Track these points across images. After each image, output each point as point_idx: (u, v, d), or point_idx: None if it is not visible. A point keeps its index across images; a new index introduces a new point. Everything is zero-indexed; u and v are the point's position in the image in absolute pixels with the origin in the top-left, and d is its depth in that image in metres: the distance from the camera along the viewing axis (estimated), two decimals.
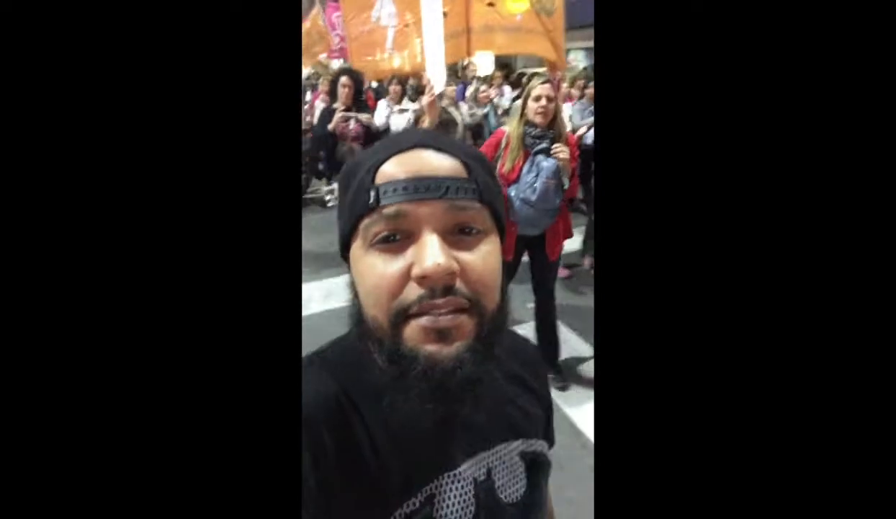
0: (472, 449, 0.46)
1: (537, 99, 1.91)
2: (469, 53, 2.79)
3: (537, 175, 1.93)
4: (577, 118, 3.66)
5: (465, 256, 0.38)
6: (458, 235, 0.39)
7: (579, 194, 2.72)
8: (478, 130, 4.36)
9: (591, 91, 3.89)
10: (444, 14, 2.32)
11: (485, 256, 0.40)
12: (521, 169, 1.95)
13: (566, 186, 1.97)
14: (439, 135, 0.44)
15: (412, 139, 0.41)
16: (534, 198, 1.93)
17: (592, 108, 3.88)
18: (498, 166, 1.98)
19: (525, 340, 0.60)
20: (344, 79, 3.13)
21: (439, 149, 0.41)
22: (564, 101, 3.89)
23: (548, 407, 0.56)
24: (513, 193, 1.98)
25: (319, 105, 3.77)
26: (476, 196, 0.40)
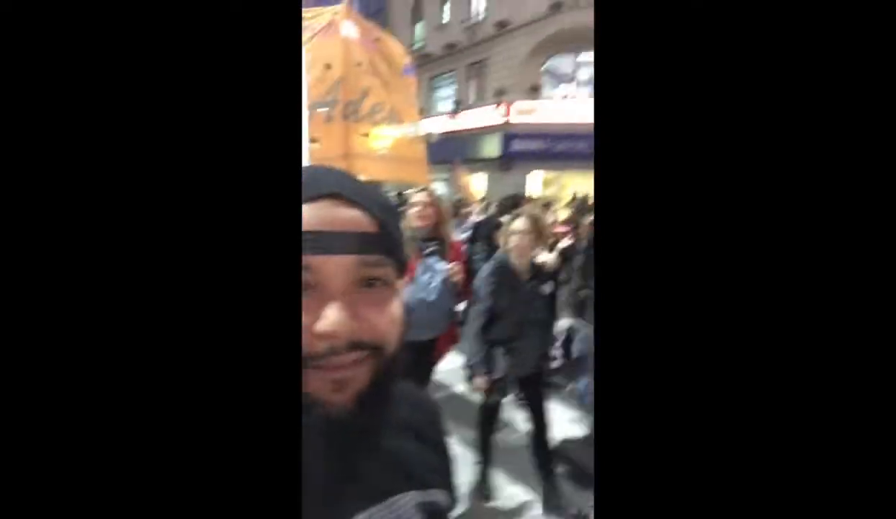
0: (365, 501, 0.44)
1: (413, 205, 2.11)
2: None
3: (433, 276, 1.99)
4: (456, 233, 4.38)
5: (370, 312, 0.40)
6: (363, 289, 0.40)
7: None
8: None
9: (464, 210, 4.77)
10: (313, 140, 2.51)
11: (390, 311, 0.42)
12: (414, 269, 1.99)
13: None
14: (353, 182, 0.44)
15: (324, 187, 0.41)
16: (432, 298, 1.96)
17: (465, 225, 4.67)
18: None
19: (419, 390, 0.61)
20: None
21: (351, 201, 0.41)
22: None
23: (444, 456, 0.56)
24: (406, 295, 1.96)
25: None
26: (384, 252, 0.41)
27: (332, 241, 0.39)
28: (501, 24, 12.10)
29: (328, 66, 2.68)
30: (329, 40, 2.76)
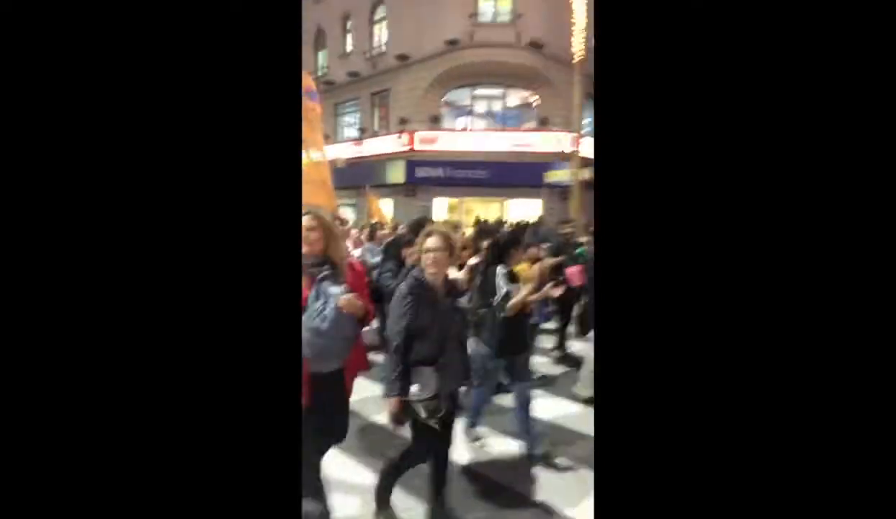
0: None
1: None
2: None
3: (326, 302, 1.82)
4: (367, 256, 4.35)
5: None
6: None
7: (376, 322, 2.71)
8: None
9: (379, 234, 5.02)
10: None
11: None
12: (307, 297, 1.82)
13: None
14: None
15: None
16: (325, 325, 1.78)
17: (378, 248, 4.79)
18: None
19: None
20: None
21: None
22: (355, 244, 4.76)
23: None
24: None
25: None
26: None
27: None
28: (402, 57, 12.53)
29: None
30: None
